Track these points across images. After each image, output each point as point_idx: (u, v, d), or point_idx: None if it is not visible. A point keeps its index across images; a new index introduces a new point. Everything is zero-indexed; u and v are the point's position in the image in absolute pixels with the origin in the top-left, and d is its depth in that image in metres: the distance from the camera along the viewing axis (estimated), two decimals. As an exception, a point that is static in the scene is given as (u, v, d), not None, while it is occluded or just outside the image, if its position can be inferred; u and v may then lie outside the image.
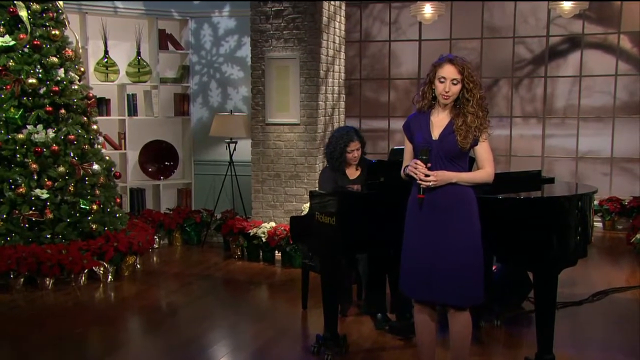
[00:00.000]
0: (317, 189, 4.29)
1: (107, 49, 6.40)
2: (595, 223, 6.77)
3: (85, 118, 5.40)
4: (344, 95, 6.56)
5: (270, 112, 5.86)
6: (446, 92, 2.89)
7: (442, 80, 2.90)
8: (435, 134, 2.96)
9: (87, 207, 5.20)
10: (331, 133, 4.47)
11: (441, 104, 2.95)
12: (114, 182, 5.66)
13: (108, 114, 6.54)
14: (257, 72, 5.89)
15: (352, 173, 4.31)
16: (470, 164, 3.09)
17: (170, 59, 6.93)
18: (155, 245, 6.27)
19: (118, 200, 5.64)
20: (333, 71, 6.16)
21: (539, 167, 7.06)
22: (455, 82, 2.89)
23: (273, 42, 5.80)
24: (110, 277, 5.20)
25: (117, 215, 5.52)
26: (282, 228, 5.64)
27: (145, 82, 6.65)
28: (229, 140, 6.41)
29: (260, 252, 5.85)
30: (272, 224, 5.80)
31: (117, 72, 6.48)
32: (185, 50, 6.90)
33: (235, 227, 5.91)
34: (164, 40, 6.76)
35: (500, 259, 3.63)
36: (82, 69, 5.54)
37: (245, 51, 6.62)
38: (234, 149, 6.40)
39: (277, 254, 5.77)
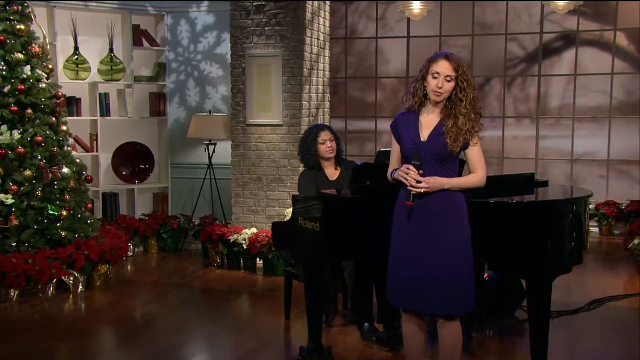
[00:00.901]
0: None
1: (77, 46, 6.35)
2: (591, 228, 6.84)
3: (53, 119, 5.35)
4: (329, 95, 6.56)
5: (252, 113, 5.86)
6: (439, 88, 2.90)
7: (436, 75, 2.91)
8: (424, 135, 2.97)
9: (56, 213, 5.16)
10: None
11: (432, 101, 2.96)
12: (85, 187, 5.62)
13: (79, 114, 6.49)
14: (238, 70, 5.89)
15: (332, 173, 4.34)
16: (460, 166, 3.10)
17: (146, 56, 6.90)
18: (130, 253, 6.24)
19: (90, 205, 5.60)
20: (317, 70, 6.16)
21: (533, 170, 7.11)
22: (449, 79, 2.90)
23: (254, 39, 5.80)
24: (81, 287, 5.15)
25: (89, 221, 5.47)
26: (264, 234, 5.63)
27: (118, 80, 6.61)
28: (207, 142, 6.39)
29: (241, 259, 5.84)
30: (254, 230, 5.79)
31: (88, 69, 6.44)
32: (161, 47, 6.87)
33: (214, 234, 5.89)
34: (139, 36, 6.72)
35: (492, 266, 3.65)
36: (50, 67, 5.49)
37: (225, 48, 6.61)
38: (214, 152, 6.39)
39: (259, 262, 5.76)
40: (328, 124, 6.46)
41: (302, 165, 5.78)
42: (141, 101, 6.84)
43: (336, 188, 4.18)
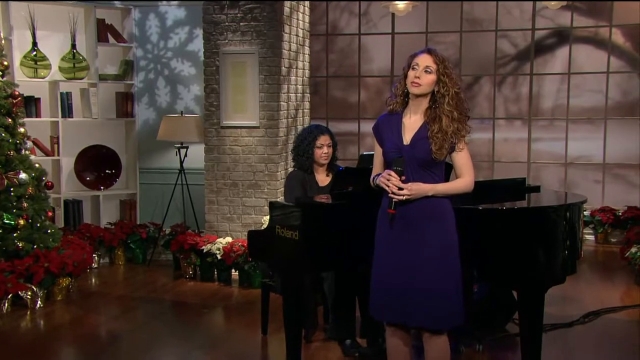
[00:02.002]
0: (279, 198, 4.30)
1: (35, 41, 6.28)
2: (586, 236, 6.91)
3: (9, 120, 5.30)
4: (308, 95, 6.57)
5: (226, 114, 5.85)
6: (416, 78, 2.92)
7: (415, 67, 2.94)
8: (407, 138, 2.98)
9: (13, 223, 5.11)
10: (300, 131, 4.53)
11: (413, 98, 2.97)
12: (45, 193, 5.57)
13: (38, 115, 6.42)
14: (211, 68, 5.87)
15: (323, 179, 4.33)
16: (447, 170, 3.11)
17: (111, 52, 6.85)
18: (94, 265, 6.19)
19: (50, 213, 5.56)
20: (296, 68, 6.17)
21: (524, 174, 7.17)
22: (428, 70, 2.92)
23: (228, 35, 5.79)
24: (39, 302, 5.09)
25: (49, 231, 5.42)
26: (240, 244, 5.62)
27: (81, 78, 6.56)
28: (179, 145, 6.36)
29: (215, 271, 5.81)
30: (229, 239, 5.78)
31: (48, 67, 6.38)
32: (128, 43, 6.83)
33: (186, 243, 5.86)
34: (104, 31, 6.68)
35: (481, 276, 3.66)
36: (6, 63, 5.44)
37: (197, 45, 6.59)
38: (185, 155, 6.36)
39: (234, 273, 5.74)
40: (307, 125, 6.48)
41: (279, 170, 5.78)
42: (107, 101, 6.79)
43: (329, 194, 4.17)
